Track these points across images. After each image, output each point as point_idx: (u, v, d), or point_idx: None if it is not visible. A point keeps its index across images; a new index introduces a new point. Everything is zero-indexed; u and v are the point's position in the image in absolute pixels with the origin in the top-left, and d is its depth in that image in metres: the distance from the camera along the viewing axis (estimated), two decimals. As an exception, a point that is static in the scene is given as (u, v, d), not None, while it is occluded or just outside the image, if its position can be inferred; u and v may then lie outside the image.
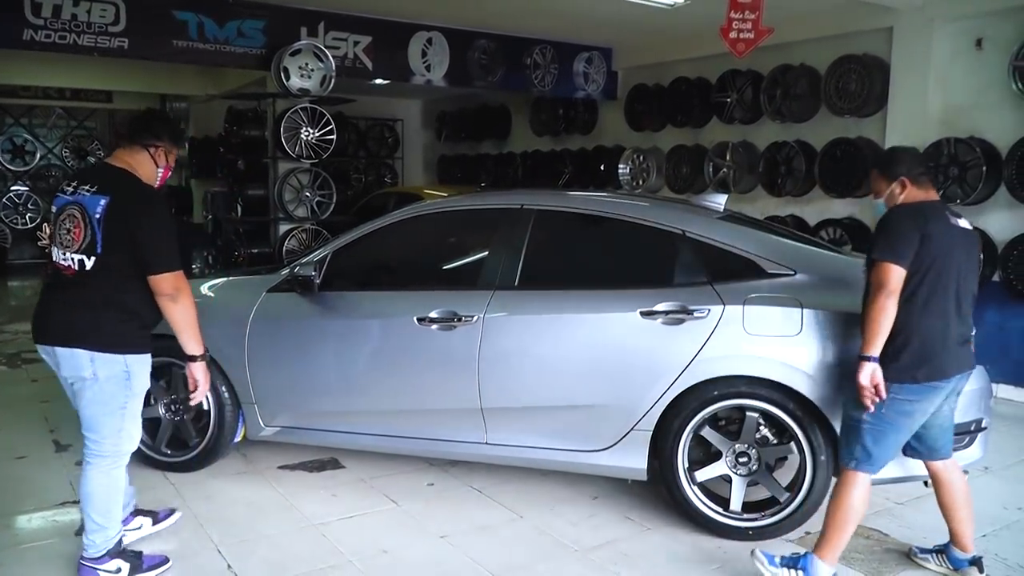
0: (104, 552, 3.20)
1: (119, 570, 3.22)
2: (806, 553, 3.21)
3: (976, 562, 3.33)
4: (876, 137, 7.01)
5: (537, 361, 3.84)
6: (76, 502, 3.99)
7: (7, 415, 5.38)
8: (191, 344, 3.28)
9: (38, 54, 7.26)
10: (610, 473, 3.90)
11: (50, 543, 3.62)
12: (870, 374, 3.00)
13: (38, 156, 14.12)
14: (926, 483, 3.55)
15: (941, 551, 3.44)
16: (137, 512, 3.66)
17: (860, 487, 3.13)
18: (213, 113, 10.59)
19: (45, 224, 13.49)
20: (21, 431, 5.07)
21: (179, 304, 3.17)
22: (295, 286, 4.17)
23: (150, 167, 3.24)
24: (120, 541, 3.28)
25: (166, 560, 3.37)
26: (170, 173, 3.39)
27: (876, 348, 3.00)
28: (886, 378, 3.01)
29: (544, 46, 8.84)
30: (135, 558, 3.28)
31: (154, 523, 3.69)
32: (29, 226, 13.77)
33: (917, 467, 3.42)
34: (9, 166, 13.83)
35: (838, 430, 3.45)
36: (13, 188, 13.85)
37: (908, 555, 3.57)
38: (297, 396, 4.25)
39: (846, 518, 3.13)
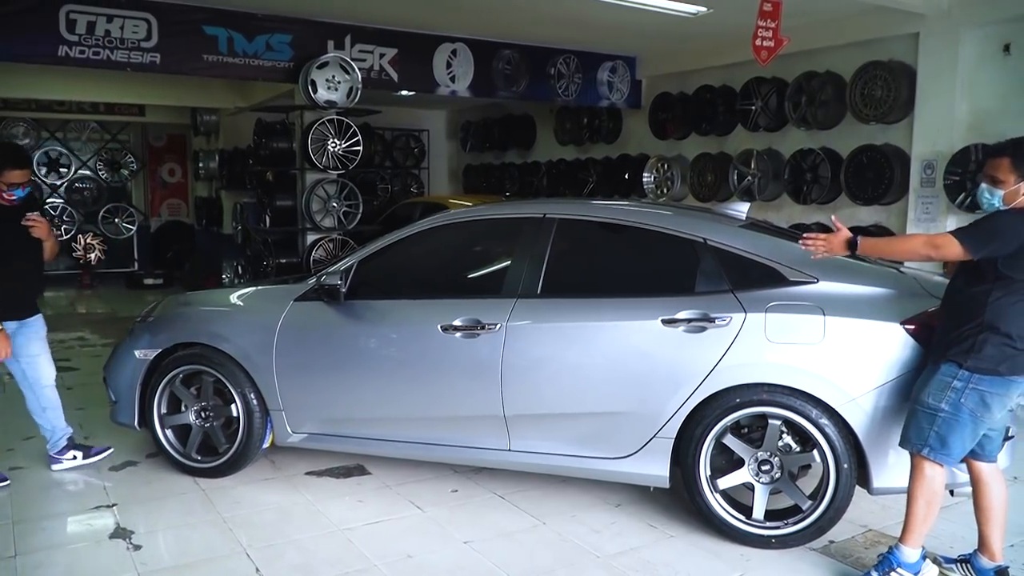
0: (63, 447, 4.63)
1: (75, 457, 4.66)
2: (890, 548, 3.29)
3: (1002, 572, 3.31)
4: (903, 144, 6.96)
5: (559, 369, 3.87)
6: (111, 505, 4.09)
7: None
8: None
9: (72, 69, 7.45)
10: (632, 480, 3.91)
11: (83, 547, 3.72)
12: (843, 240, 3.25)
13: (73, 169, 14.40)
14: (952, 492, 3.53)
15: (966, 560, 3.41)
16: (71, 446, 4.68)
17: (937, 474, 3.17)
18: (242, 126, 10.75)
19: (80, 236, 13.80)
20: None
21: None
22: (322, 295, 4.24)
23: None
24: (71, 438, 4.68)
25: (108, 448, 4.77)
26: (7, 195, 4.25)
27: (869, 247, 3.27)
28: (968, 369, 3.07)
29: (568, 56, 8.88)
30: (86, 448, 4.70)
31: (85, 457, 4.69)
32: (64, 237, 14.04)
33: (959, 476, 3.41)
34: (45, 179, 14.13)
35: (861, 438, 3.47)
36: (49, 200, 14.16)
37: (933, 562, 3.54)
38: (323, 403, 4.32)
39: (929, 508, 3.19)
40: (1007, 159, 3.12)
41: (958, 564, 3.43)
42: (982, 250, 3.05)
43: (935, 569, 3.34)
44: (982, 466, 3.29)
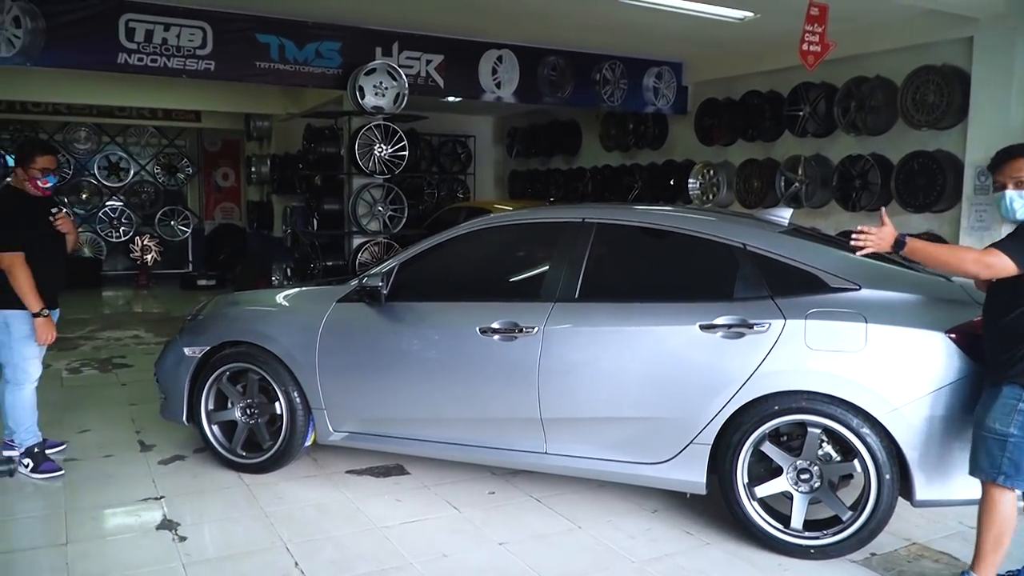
0: (24, 450, 4.51)
1: (28, 465, 4.50)
2: (962, 573, 3.21)
3: None
4: (956, 150, 6.80)
5: (596, 373, 3.87)
6: (158, 498, 4.22)
7: (98, 416, 5.71)
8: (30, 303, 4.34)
9: (132, 76, 7.69)
10: (668, 486, 3.90)
11: (131, 536, 3.84)
12: (890, 240, 3.16)
13: (132, 173, 14.84)
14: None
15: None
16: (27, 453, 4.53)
17: (1008, 500, 3.08)
18: (293, 131, 10.97)
19: (138, 237, 14.20)
20: (110, 431, 5.38)
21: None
22: (363, 296, 4.31)
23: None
24: (34, 447, 4.52)
25: (59, 469, 4.52)
26: (41, 182, 4.46)
27: (917, 249, 3.14)
28: None
29: (613, 62, 8.88)
30: (40, 459, 4.52)
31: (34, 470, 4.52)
32: (123, 238, 14.50)
33: None
34: (105, 182, 14.58)
35: (904, 448, 3.40)
36: (108, 203, 14.62)
37: None
38: (364, 403, 4.38)
39: (1000, 536, 3.10)
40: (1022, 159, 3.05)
41: None
42: None
43: None
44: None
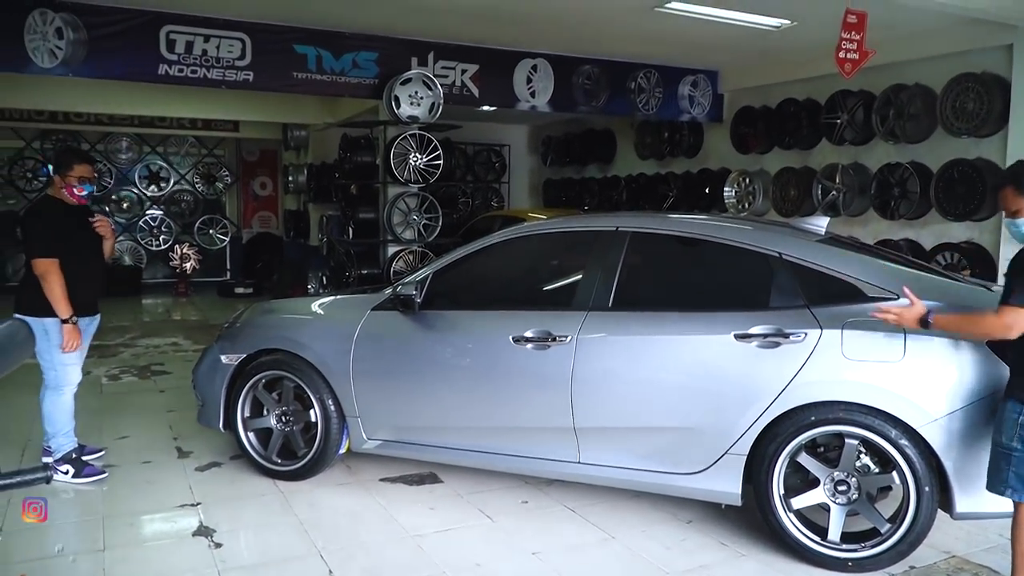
0: (60, 456, 4.53)
1: (68, 471, 4.52)
2: None
3: None
4: (996, 158, 6.68)
5: (630, 382, 3.86)
6: (195, 504, 4.28)
7: (137, 422, 5.80)
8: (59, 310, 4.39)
9: (172, 87, 7.85)
10: (703, 497, 3.86)
11: (168, 543, 3.90)
12: (914, 320, 3.17)
13: (172, 182, 15.13)
14: None
15: None
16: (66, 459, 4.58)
17: None
18: (330, 140, 11.10)
19: (177, 246, 14.45)
20: (148, 437, 5.46)
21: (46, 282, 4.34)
22: (397, 305, 4.34)
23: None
24: (71, 453, 4.57)
25: (102, 472, 4.59)
26: (77, 190, 4.54)
27: (943, 324, 3.16)
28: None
29: (648, 70, 8.86)
30: (80, 465, 4.57)
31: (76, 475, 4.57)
32: (163, 247, 14.77)
33: None
34: (146, 191, 14.87)
35: (943, 460, 3.35)
36: (149, 212, 14.91)
37: None
38: (397, 410, 4.41)
39: None
40: (1009, 188, 3.12)
41: None
42: None
43: None
44: None
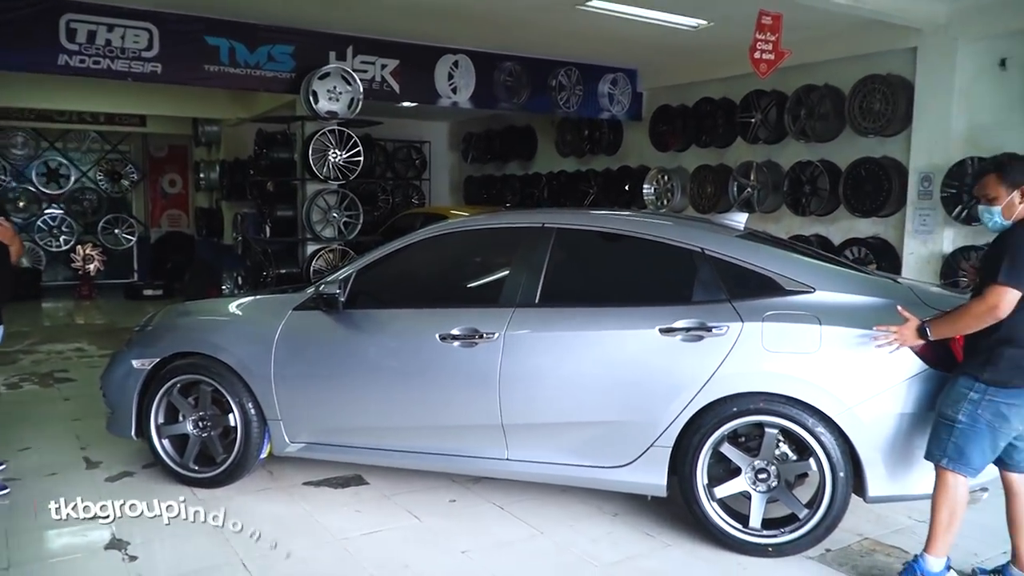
0: None
1: None
2: (915, 557, 3.30)
3: None
4: (901, 157, 6.99)
5: (557, 377, 3.87)
6: (106, 518, 4.06)
7: (40, 433, 5.49)
8: None
9: (73, 79, 7.47)
10: (630, 489, 3.91)
11: (79, 558, 3.71)
12: (913, 333, 3.25)
13: (72, 179, 14.42)
14: (983, 489, 3.50)
15: (999, 572, 3.42)
16: None
17: (959, 484, 3.18)
18: (243, 136, 10.78)
19: (79, 247, 13.79)
20: (53, 449, 5.17)
21: None
22: (320, 304, 4.24)
23: None
24: None
25: (3, 487, 4.32)
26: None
27: (940, 334, 3.23)
28: (984, 381, 3.10)
29: (569, 68, 8.92)
30: None
31: None
32: (63, 248, 14.07)
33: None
34: (44, 189, 14.14)
35: (857, 447, 3.47)
36: (47, 211, 14.18)
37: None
38: (322, 412, 4.31)
39: (951, 517, 3.21)
40: (992, 175, 3.24)
41: (992, 575, 3.44)
42: None
43: None
44: (1013, 476, 3.30)
